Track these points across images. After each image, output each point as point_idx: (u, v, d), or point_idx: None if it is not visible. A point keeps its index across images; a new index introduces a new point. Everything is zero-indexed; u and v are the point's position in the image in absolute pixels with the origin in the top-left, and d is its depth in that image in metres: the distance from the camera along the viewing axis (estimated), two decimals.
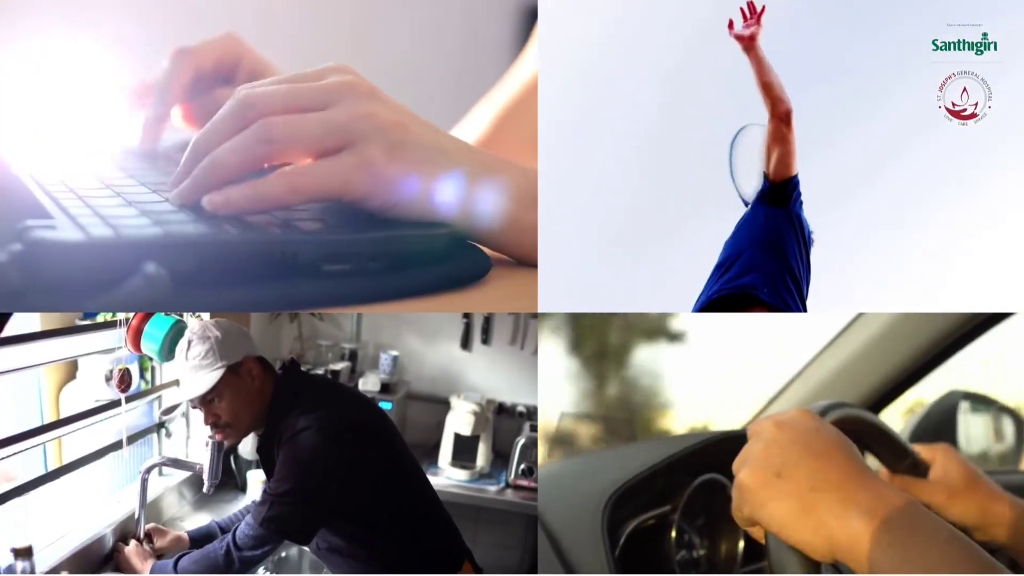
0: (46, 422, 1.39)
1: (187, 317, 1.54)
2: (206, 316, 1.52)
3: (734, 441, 0.58)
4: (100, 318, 1.49)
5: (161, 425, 1.74)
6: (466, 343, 2.48)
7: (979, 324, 1.24)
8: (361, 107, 0.68)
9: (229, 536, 1.25)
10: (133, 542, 1.41)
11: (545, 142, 1.35)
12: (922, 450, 0.73)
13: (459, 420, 2.19)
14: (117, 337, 1.50)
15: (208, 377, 1.26)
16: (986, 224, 1.32)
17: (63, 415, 1.43)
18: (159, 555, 1.42)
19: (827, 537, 0.49)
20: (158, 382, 1.71)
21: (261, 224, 0.64)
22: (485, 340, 2.48)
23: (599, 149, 1.43)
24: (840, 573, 0.69)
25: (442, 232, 0.68)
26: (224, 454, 1.97)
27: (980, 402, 1.35)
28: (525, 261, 0.76)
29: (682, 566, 0.89)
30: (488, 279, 0.72)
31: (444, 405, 2.30)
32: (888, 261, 1.29)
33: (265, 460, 1.34)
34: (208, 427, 1.33)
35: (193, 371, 1.27)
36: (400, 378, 2.37)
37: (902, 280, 1.36)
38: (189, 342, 1.29)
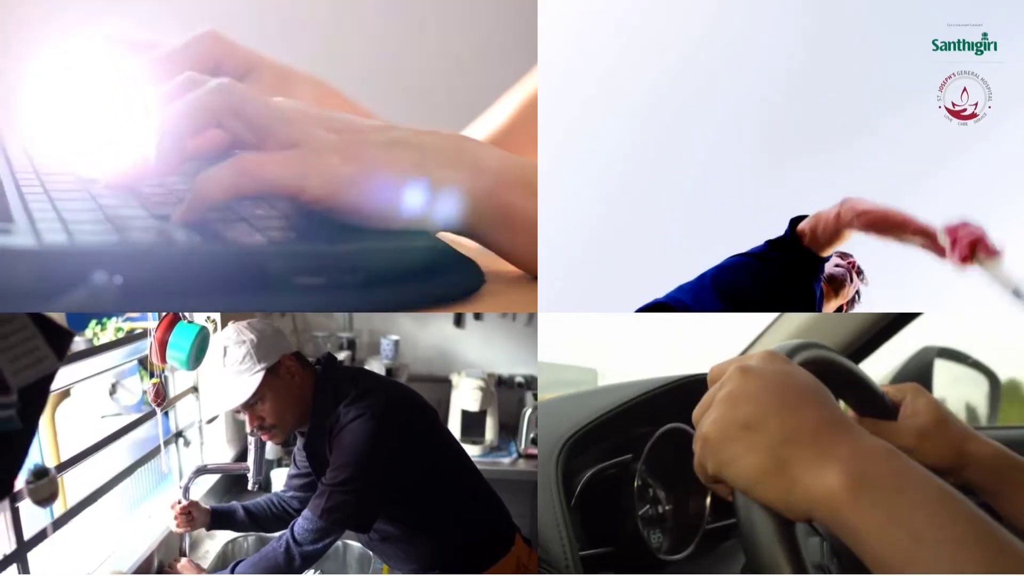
0: (44, 444, 1.35)
1: (202, 319, 1.53)
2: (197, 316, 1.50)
3: (698, 386, 0.53)
4: (89, 332, 1.47)
5: (179, 435, 1.74)
6: (459, 320, 2.51)
7: (888, 324, 1.23)
8: (304, 114, 0.66)
9: (287, 533, 1.24)
10: (184, 559, 1.42)
11: (545, 143, 1.36)
12: (891, 390, 0.68)
13: (465, 397, 2.23)
14: (118, 355, 1.48)
15: (249, 382, 1.24)
16: (986, 224, 1.36)
17: (60, 435, 1.39)
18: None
19: (802, 495, 0.44)
20: (170, 394, 1.71)
21: (231, 233, 0.61)
22: (478, 315, 2.50)
23: (599, 150, 1.45)
24: (814, 529, 0.66)
25: (425, 244, 0.64)
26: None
27: (955, 358, 1.37)
28: (507, 252, 0.71)
29: (646, 521, 0.86)
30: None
31: (444, 384, 2.34)
32: (886, 261, 1.33)
33: (314, 457, 1.33)
34: (254, 429, 1.32)
35: (233, 377, 1.26)
36: (400, 362, 2.39)
37: (899, 278, 1.41)
38: (225, 348, 1.27)
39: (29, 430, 0.74)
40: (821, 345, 0.59)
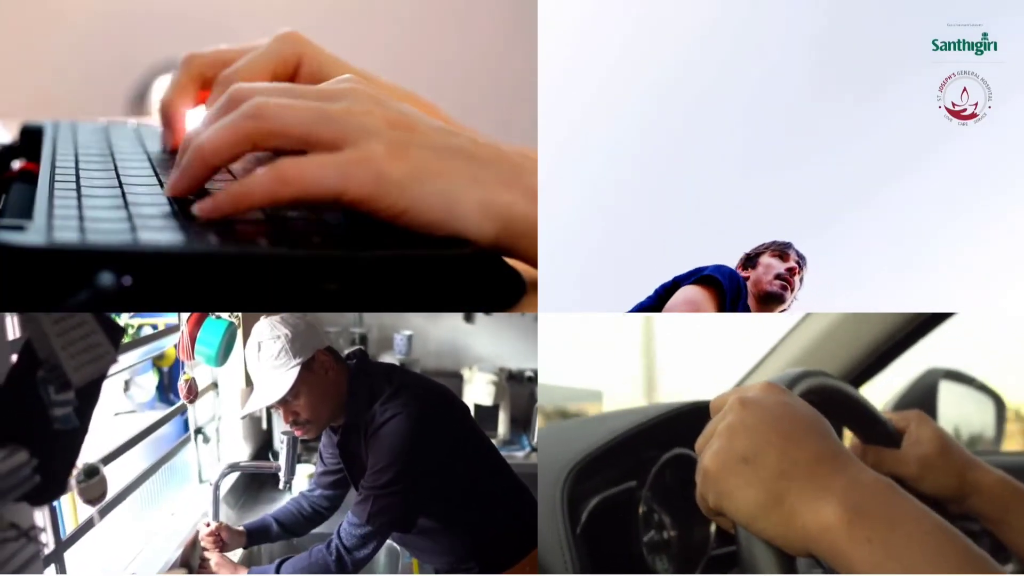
0: None
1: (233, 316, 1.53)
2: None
3: (703, 413, 0.53)
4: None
5: (198, 431, 1.77)
6: (469, 315, 2.53)
7: (920, 324, 1.23)
8: (361, 105, 0.63)
9: (335, 540, 1.23)
10: (218, 554, 1.41)
11: (546, 141, 1.37)
12: (894, 418, 0.69)
13: (479, 391, 2.23)
14: (133, 353, 1.50)
15: (285, 377, 1.24)
16: (986, 223, 1.36)
17: None
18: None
19: (800, 530, 0.44)
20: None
21: (251, 234, 0.59)
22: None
23: (600, 148, 1.46)
24: (819, 567, 0.69)
25: (462, 251, 0.60)
26: (264, 450, 2.02)
27: (960, 381, 1.34)
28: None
29: (651, 547, 0.86)
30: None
31: (454, 378, 2.35)
32: (887, 260, 1.33)
33: (348, 454, 1.33)
34: (288, 425, 1.32)
35: (268, 372, 1.26)
36: (412, 357, 2.41)
37: (901, 279, 1.41)
38: (259, 343, 1.26)
39: (83, 428, 0.74)
40: (822, 373, 0.59)
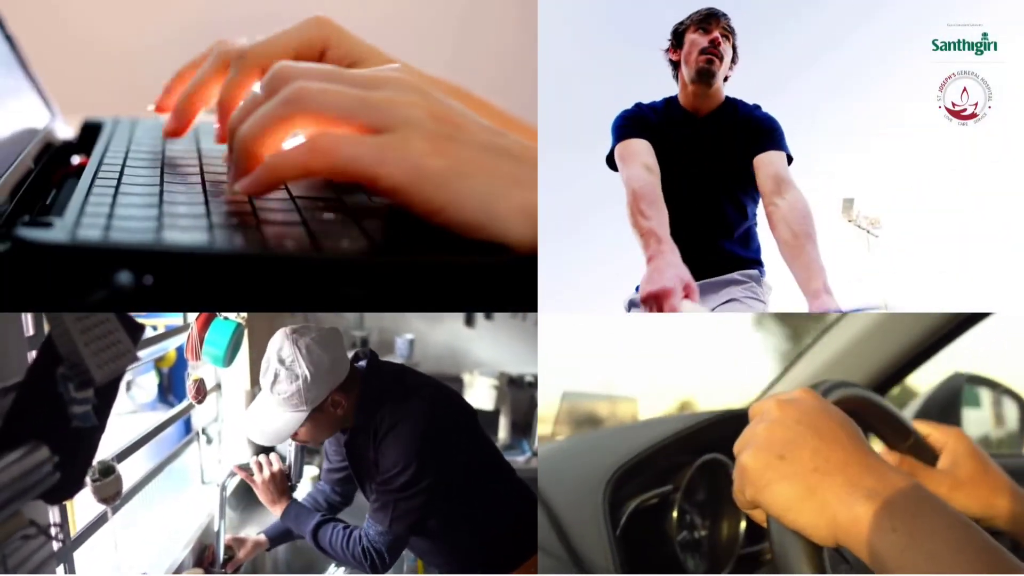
0: None
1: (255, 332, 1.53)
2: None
3: (736, 421, 0.56)
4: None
5: (201, 432, 1.77)
6: (470, 319, 2.53)
7: (958, 324, 1.22)
8: (405, 95, 0.61)
9: (367, 543, 1.24)
10: (266, 470, 1.38)
11: (545, 140, 1.37)
12: (933, 432, 0.71)
13: (480, 395, 2.24)
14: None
15: (291, 419, 1.23)
16: (985, 223, 1.37)
17: None
18: (238, 568, 1.46)
19: (830, 520, 0.48)
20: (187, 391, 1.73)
21: (277, 236, 0.58)
22: (488, 315, 2.52)
23: (601, 146, 1.47)
24: (843, 558, 0.69)
25: (499, 260, 0.59)
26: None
27: (984, 385, 1.35)
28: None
29: (683, 546, 0.89)
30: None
31: (455, 383, 2.35)
32: (887, 260, 1.34)
33: (355, 455, 1.33)
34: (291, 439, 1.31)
35: (275, 406, 1.23)
36: (412, 361, 2.41)
37: (901, 279, 1.41)
38: (276, 375, 1.22)
39: (101, 426, 0.74)
40: (854, 384, 0.63)
